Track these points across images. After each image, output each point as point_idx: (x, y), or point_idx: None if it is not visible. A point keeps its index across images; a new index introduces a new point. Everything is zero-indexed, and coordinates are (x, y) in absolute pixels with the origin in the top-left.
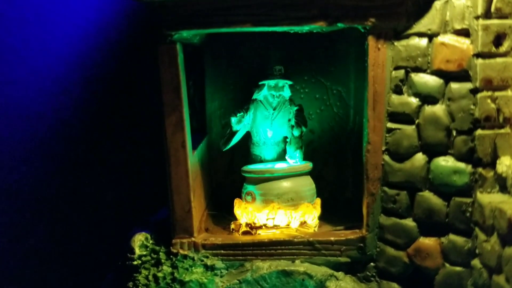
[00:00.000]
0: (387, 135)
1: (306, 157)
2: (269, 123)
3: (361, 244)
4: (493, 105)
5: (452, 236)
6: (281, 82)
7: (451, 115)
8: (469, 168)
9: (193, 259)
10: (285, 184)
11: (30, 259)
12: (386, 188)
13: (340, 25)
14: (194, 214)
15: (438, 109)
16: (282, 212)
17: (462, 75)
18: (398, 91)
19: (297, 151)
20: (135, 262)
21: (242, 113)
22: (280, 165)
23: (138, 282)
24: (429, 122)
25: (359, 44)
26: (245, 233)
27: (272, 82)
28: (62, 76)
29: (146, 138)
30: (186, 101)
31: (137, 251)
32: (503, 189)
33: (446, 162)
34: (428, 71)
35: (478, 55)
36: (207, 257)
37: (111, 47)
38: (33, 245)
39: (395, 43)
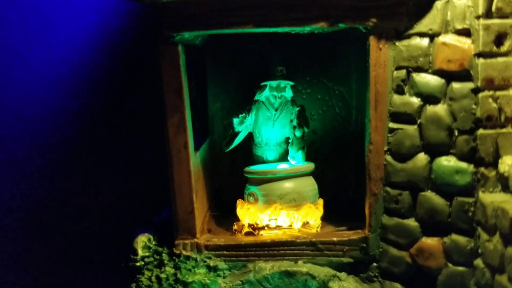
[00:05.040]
0: (389, 135)
1: (308, 158)
2: (271, 124)
3: (364, 245)
4: (494, 105)
5: (454, 236)
6: (282, 83)
7: (453, 114)
8: (471, 167)
9: (195, 260)
10: (288, 184)
11: (32, 260)
12: (388, 188)
13: (341, 25)
14: (196, 215)
15: (440, 109)
16: (284, 212)
17: (464, 75)
18: (399, 91)
19: (299, 151)
20: (138, 263)
21: (244, 114)
22: (282, 166)
23: (141, 283)
24: (431, 122)
25: (361, 44)
26: (247, 234)
27: (273, 83)
28: (64, 78)
29: (148, 139)
30: (188, 102)
31: (140, 252)
32: (505, 188)
33: (448, 162)
34: (430, 71)
35: (479, 55)
36: (209, 258)
37: (113, 49)
38: (35, 246)
39: (397, 43)
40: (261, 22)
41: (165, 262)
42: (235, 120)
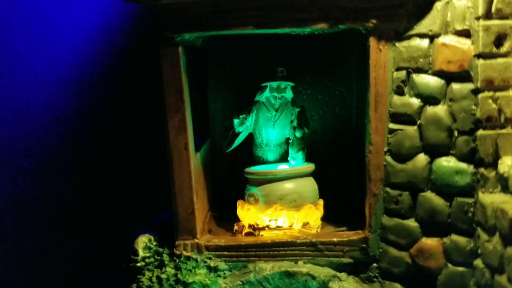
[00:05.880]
0: (389, 136)
1: (308, 159)
2: (271, 124)
3: (364, 245)
4: (494, 106)
5: (454, 237)
6: (283, 84)
7: (453, 115)
8: (471, 168)
9: (196, 260)
10: (288, 185)
11: (32, 261)
12: (388, 189)
13: (341, 26)
14: (197, 215)
15: (440, 110)
16: (284, 213)
17: (463, 76)
18: (399, 92)
19: (300, 152)
20: (138, 264)
21: (244, 115)
22: (282, 167)
23: (141, 284)
24: (431, 122)
25: (361, 45)
26: (248, 234)
27: (274, 84)
28: (64, 78)
29: (149, 140)
30: (188, 103)
31: (141, 253)
32: (505, 189)
33: (448, 162)
34: (430, 72)
35: (479, 56)
36: (210, 258)
37: (114, 50)
38: (36, 247)
39: (397, 44)
40: (261, 23)
41: (166, 262)
42: (236, 121)
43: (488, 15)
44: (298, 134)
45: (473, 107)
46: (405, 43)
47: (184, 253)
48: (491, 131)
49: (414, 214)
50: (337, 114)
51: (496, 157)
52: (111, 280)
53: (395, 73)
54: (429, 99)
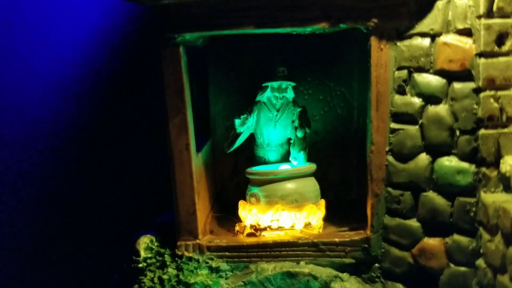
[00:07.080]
0: (390, 135)
1: (310, 159)
2: (272, 124)
3: (366, 245)
4: (496, 105)
5: (456, 236)
6: (284, 84)
7: (454, 115)
8: (472, 167)
9: (198, 261)
10: (289, 185)
11: (35, 261)
12: (390, 189)
13: (342, 26)
14: (198, 216)
15: (441, 109)
16: (286, 213)
17: (465, 75)
18: (401, 91)
19: (301, 152)
20: (140, 265)
21: (245, 115)
22: (284, 167)
23: (143, 285)
24: (433, 122)
25: (362, 44)
26: (249, 234)
27: (275, 84)
28: (65, 79)
29: (150, 141)
30: (189, 103)
31: (142, 254)
32: (507, 188)
33: (450, 162)
34: (431, 71)
35: (480, 55)
36: (212, 259)
37: (115, 51)
38: (38, 247)
39: (398, 43)
40: (262, 23)
41: (168, 263)
42: (237, 121)
43: (489, 13)
44: (299, 134)
45: (475, 106)
46: (406, 42)
47: (186, 253)
48: (493, 130)
49: (416, 214)
50: (339, 114)
51: (498, 156)
52: (113, 281)
53: (396, 72)
54: (430, 98)
